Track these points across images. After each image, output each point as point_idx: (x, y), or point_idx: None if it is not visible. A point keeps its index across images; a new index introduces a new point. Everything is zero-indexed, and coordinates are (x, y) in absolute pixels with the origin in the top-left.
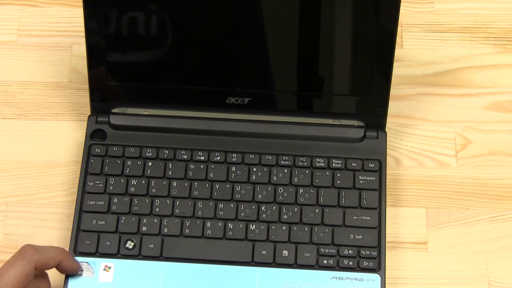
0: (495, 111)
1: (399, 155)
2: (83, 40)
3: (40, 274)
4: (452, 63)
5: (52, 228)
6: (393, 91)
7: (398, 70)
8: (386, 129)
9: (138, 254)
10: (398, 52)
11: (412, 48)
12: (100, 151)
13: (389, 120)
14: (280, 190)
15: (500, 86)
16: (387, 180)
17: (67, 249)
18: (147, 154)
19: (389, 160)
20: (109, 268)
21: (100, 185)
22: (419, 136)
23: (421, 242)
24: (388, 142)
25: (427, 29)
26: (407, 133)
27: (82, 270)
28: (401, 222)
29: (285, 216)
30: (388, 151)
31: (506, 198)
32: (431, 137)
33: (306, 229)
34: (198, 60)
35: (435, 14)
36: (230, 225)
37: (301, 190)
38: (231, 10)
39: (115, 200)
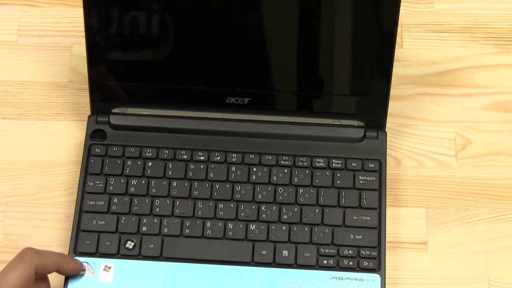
0: (495, 111)
1: (399, 155)
2: (83, 40)
3: (40, 277)
4: (452, 63)
5: (52, 228)
6: (393, 91)
7: (398, 70)
8: (386, 129)
9: (138, 254)
10: (398, 52)
11: (412, 48)
12: (100, 151)
13: (389, 120)
14: (280, 190)
15: (500, 86)
16: (387, 180)
17: (67, 249)
18: (147, 154)
19: (389, 160)
20: (109, 268)
21: (100, 185)
22: (419, 136)
23: (421, 242)
24: (388, 142)
25: (427, 29)
26: (407, 133)
27: (84, 270)
28: (401, 222)
29: (285, 216)
30: (388, 151)
31: (506, 198)
32: (431, 137)
33: (306, 229)
34: (198, 60)
35: (435, 14)
36: (230, 225)
37: (301, 190)
38: (231, 10)
39: (115, 200)
